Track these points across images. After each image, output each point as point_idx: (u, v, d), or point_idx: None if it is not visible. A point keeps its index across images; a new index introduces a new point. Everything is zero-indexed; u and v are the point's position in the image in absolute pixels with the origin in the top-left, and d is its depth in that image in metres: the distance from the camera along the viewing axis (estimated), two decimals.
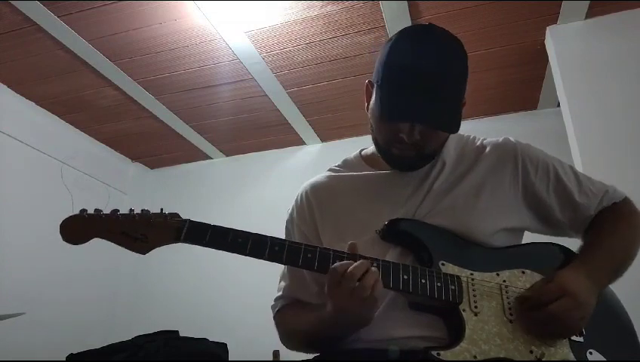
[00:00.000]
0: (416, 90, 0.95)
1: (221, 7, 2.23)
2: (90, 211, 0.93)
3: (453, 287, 0.93)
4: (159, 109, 3.03)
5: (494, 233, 1.02)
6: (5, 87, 2.80)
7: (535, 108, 3.07)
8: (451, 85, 0.98)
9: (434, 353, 0.86)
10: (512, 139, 1.12)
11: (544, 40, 2.46)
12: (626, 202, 1.12)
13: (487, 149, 1.10)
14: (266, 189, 3.40)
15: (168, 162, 3.78)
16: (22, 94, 2.88)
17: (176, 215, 0.95)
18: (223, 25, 2.34)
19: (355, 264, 0.86)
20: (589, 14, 2.33)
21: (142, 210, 0.95)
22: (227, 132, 3.35)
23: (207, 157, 3.69)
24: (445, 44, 1.01)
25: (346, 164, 1.18)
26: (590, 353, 0.93)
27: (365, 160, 1.17)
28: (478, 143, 1.13)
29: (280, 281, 1.15)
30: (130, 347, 1.99)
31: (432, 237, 0.99)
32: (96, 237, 0.92)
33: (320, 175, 1.18)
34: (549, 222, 1.10)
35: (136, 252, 0.92)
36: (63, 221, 0.92)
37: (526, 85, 2.86)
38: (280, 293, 1.14)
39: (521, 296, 0.95)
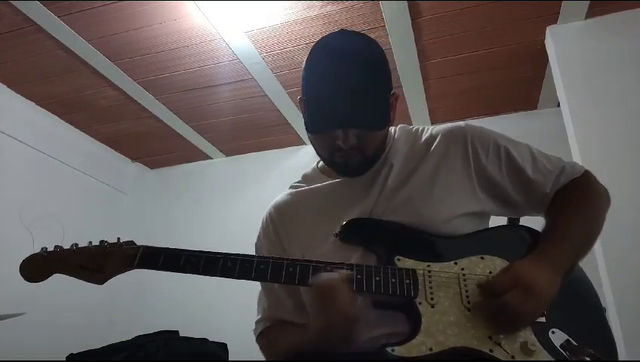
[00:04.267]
0: (336, 95, 0.97)
1: (221, 7, 2.23)
2: (50, 248, 0.96)
3: (408, 281, 0.94)
4: (159, 109, 3.03)
5: (453, 219, 1.02)
6: (5, 87, 2.80)
7: (535, 108, 3.07)
8: (371, 83, 0.99)
9: (389, 349, 0.87)
10: (462, 124, 1.11)
11: (544, 40, 2.46)
12: (585, 176, 1.10)
13: (438, 138, 1.10)
14: (266, 189, 3.36)
15: (168, 162, 3.78)
16: (22, 94, 2.88)
17: (132, 242, 0.98)
18: (223, 25, 2.34)
19: (343, 295, 0.88)
20: (589, 14, 2.33)
21: (100, 241, 0.98)
22: (227, 132, 3.35)
23: (207, 157, 3.69)
24: (359, 43, 1.02)
25: (306, 178, 1.21)
26: (553, 332, 0.92)
27: (322, 171, 1.18)
28: (428, 134, 1.12)
29: (258, 305, 1.17)
30: (130, 347, 1.99)
31: (387, 233, 1.00)
32: (55, 273, 0.97)
33: (282, 193, 1.21)
34: (507, 203, 1.09)
35: (94, 283, 0.96)
36: (22, 262, 0.96)
37: (526, 85, 2.86)
38: (259, 316, 1.15)
39: (478, 285, 0.94)
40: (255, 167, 3.56)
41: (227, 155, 3.69)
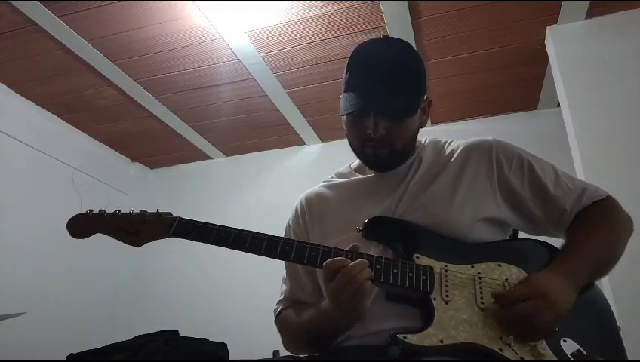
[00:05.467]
0: (370, 84, 1.06)
1: (221, 7, 2.23)
2: (95, 211, 1.08)
3: (424, 277, 0.97)
4: (159, 109, 3.03)
5: (474, 223, 1.05)
6: (5, 87, 2.80)
7: (535, 108, 3.07)
8: (406, 78, 1.07)
9: (400, 336, 0.89)
10: (489, 137, 1.16)
11: (544, 40, 2.46)
12: (608, 200, 1.11)
13: (463, 148, 1.15)
14: (266, 189, 3.40)
15: (168, 162, 3.78)
16: (22, 94, 2.88)
17: (169, 214, 1.07)
18: (223, 25, 2.34)
19: (354, 262, 0.92)
20: (589, 14, 2.33)
21: (140, 210, 1.08)
22: (227, 132, 3.35)
23: (207, 157, 3.69)
24: (398, 46, 1.13)
25: (338, 175, 1.28)
26: (564, 341, 0.93)
27: (355, 169, 1.26)
28: (455, 145, 1.18)
29: (281, 286, 1.23)
30: (130, 347, 1.99)
31: (408, 232, 1.04)
32: (97, 232, 1.06)
33: (315, 186, 1.28)
34: (527, 216, 1.11)
35: (131, 244, 1.05)
36: (70, 219, 1.06)
37: (526, 85, 2.86)
38: (281, 297, 1.21)
39: (494, 293, 0.96)
40: (255, 167, 3.56)
41: (227, 155, 3.69)
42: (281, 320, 1.18)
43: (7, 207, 2.72)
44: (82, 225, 1.06)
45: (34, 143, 2.94)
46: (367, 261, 0.94)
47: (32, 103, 2.96)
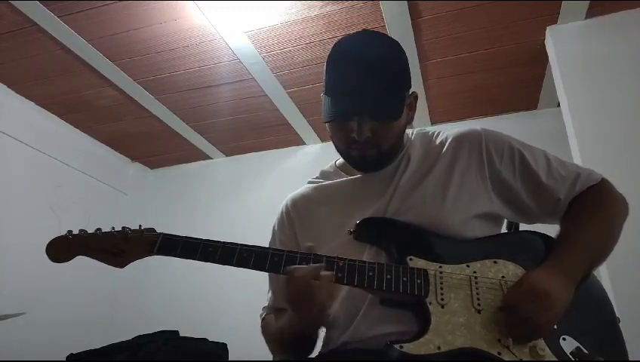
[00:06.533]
0: (350, 85, 1.00)
1: (221, 7, 2.23)
2: (75, 231, 1.01)
3: (419, 281, 0.94)
4: (159, 109, 3.03)
5: (467, 221, 1.02)
6: (5, 87, 2.80)
7: (535, 108, 3.07)
8: (387, 76, 1.01)
9: (397, 346, 0.87)
10: (478, 127, 1.12)
11: (544, 40, 2.46)
12: (602, 184, 1.09)
13: (453, 140, 1.11)
14: (266, 189, 3.39)
15: (168, 162, 3.78)
16: (22, 94, 2.88)
17: (152, 230, 1.01)
18: (222, 25, 2.34)
19: (307, 267, 0.91)
20: (589, 14, 2.33)
21: (122, 227, 1.02)
22: (227, 132, 3.35)
23: (207, 157, 3.69)
24: (377, 41, 1.06)
25: (323, 175, 1.23)
26: (564, 339, 0.92)
27: (340, 168, 1.21)
28: (443, 137, 1.14)
29: (268, 292, 1.22)
30: (130, 347, 1.99)
31: (401, 233, 1.01)
32: (79, 255, 1.00)
33: (300, 188, 1.23)
34: (521, 208, 1.09)
35: (115, 266, 1.00)
36: (49, 243, 1.00)
37: (526, 85, 2.86)
38: (266, 304, 1.21)
39: (499, 307, 0.93)
40: (255, 167, 3.56)
41: (227, 155, 3.69)
42: (263, 326, 1.18)
43: (7, 207, 2.72)
44: (62, 249, 0.99)
45: (34, 143, 2.94)
46: (323, 266, 0.92)
47: (32, 103, 2.95)
